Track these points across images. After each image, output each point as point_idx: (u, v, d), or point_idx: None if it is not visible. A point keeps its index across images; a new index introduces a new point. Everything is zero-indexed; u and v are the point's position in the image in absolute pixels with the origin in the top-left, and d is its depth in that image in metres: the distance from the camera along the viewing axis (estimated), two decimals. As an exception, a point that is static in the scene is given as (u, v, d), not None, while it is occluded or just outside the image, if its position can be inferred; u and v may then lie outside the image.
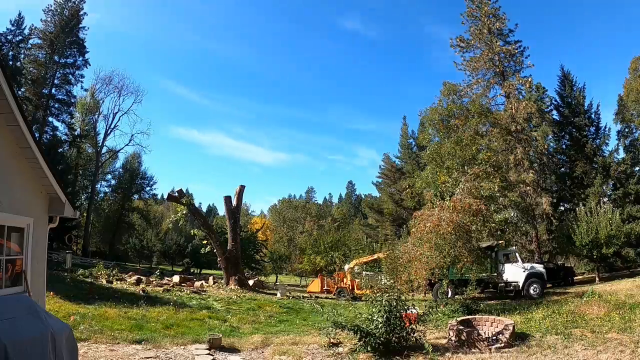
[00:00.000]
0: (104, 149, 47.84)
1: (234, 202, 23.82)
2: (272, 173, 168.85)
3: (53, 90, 39.77)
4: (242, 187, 24.46)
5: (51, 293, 9.84)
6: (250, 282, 23.03)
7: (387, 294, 8.08)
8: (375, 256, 19.39)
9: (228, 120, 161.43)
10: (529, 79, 25.15)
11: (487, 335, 7.93)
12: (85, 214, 43.62)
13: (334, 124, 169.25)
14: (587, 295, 12.11)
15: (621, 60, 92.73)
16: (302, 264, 43.11)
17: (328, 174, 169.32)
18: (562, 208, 28.18)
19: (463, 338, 7.84)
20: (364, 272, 18.78)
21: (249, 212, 79.00)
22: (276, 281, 39.52)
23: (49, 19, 40.04)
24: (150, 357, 7.37)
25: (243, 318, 12.41)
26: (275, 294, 19.80)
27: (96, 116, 46.40)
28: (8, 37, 37.23)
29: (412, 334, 7.84)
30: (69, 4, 41.30)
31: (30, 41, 38.85)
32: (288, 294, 20.00)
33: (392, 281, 10.08)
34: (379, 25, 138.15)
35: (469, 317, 9.45)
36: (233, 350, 8.41)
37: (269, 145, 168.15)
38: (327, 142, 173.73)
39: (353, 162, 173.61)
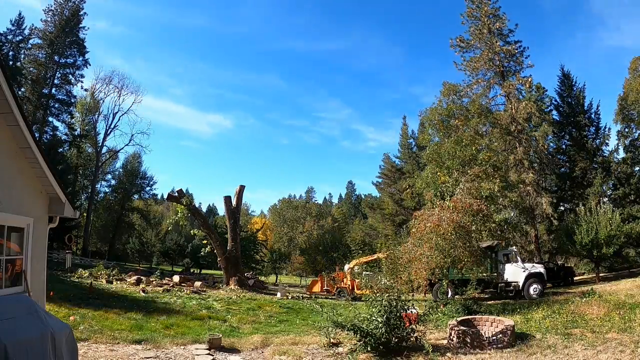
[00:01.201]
0: (104, 149, 47.84)
1: (234, 202, 23.83)
2: (220, 152, 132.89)
3: (53, 90, 39.77)
4: (242, 187, 24.50)
5: (51, 293, 9.83)
6: (250, 282, 23.04)
7: (387, 294, 8.08)
8: (375, 256, 19.37)
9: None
10: (529, 79, 25.15)
11: (487, 336, 7.92)
12: (85, 214, 43.60)
13: (266, 35, 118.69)
14: (587, 295, 12.11)
15: (621, 60, 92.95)
16: (302, 264, 43.16)
17: (295, 150, 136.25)
18: (562, 208, 28.17)
19: (463, 338, 7.84)
20: (364, 272, 18.76)
21: (249, 212, 79.08)
22: (276, 281, 39.52)
23: (49, 19, 40.06)
24: (150, 357, 7.37)
25: (243, 318, 12.41)
26: (275, 294, 19.79)
27: (96, 116, 46.41)
28: (8, 37, 37.23)
29: (412, 334, 7.84)
30: (69, 4, 41.30)
31: (30, 41, 38.88)
32: (288, 294, 19.99)
33: (391, 281, 10.08)
34: None
35: (469, 317, 9.45)
36: (233, 350, 8.41)
37: (187, 98, 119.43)
38: (270, 83, 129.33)
39: (318, 128, 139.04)
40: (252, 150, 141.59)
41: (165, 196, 36.35)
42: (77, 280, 17.88)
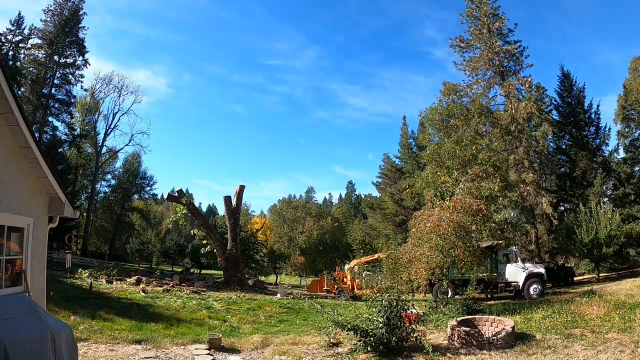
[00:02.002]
0: (104, 149, 47.90)
1: (233, 202, 23.84)
2: (162, 130, 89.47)
3: (53, 90, 39.80)
4: (242, 187, 24.50)
5: (51, 293, 9.83)
6: (250, 282, 23.06)
7: (387, 294, 8.07)
8: (376, 256, 19.34)
9: None
10: (529, 79, 25.15)
11: (487, 336, 7.92)
12: (85, 214, 43.62)
13: None
14: (587, 295, 12.11)
15: (621, 60, 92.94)
16: (302, 264, 43.17)
17: (256, 122, 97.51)
18: (562, 208, 28.19)
19: (463, 338, 7.84)
20: (364, 272, 18.73)
21: (249, 212, 79.08)
22: (276, 281, 39.52)
23: (48, 19, 40.08)
24: (150, 357, 7.36)
25: (243, 318, 12.40)
26: (275, 294, 19.79)
27: (96, 116, 46.46)
28: (8, 37, 37.25)
29: (412, 334, 7.83)
30: (69, 4, 41.33)
31: (30, 41, 38.90)
32: (288, 294, 19.98)
33: (390, 282, 10.05)
34: None
35: (469, 317, 9.45)
36: (233, 350, 8.40)
37: (88, 41, 72.20)
38: (192, 2, 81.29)
39: (278, 86, 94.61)
40: (202, 124, 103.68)
41: (165, 196, 36.37)
42: (77, 280, 17.87)
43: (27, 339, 4.20)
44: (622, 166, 26.10)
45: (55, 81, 40.00)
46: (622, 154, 27.56)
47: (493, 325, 8.58)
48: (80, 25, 41.82)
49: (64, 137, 41.65)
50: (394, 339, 7.57)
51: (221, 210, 65.32)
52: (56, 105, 40.25)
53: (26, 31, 38.40)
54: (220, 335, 8.93)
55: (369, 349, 7.57)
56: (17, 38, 37.83)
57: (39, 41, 39.12)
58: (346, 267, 23.04)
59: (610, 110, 39.74)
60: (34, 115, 35.64)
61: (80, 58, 41.89)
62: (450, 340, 8.09)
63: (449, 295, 16.09)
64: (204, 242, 23.10)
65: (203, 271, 40.31)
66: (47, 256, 7.41)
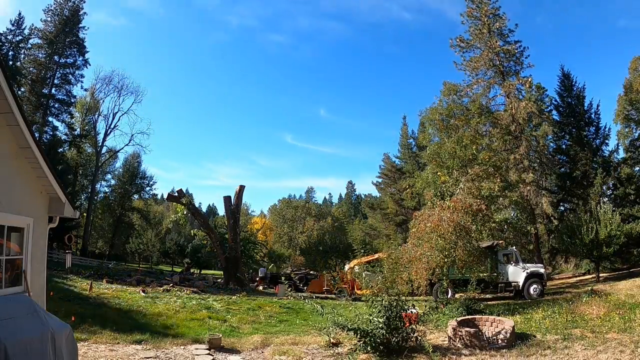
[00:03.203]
0: (104, 149, 47.87)
1: (233, 202, 23.84)
2: None
3: (53, 90, 39.84)
4: (242, 187, 24.50)
5: (51, 293, 9.82)
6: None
7: (387, 294, 8.07)
8: (376, 256, 19.32)
9: None
10: (529, 79, 25.12)
11: (487, 336, 7.92)
12: (85, 214, 43.61)
13: None
14: (587, 295, 12.11)
15: (621, 60, 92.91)
16: (302, 264, 43.19)
17: (144, 38, 77.41)
18: (562, 208, 28.18)
19: (464, 338, 7.84)
20: (364, 272, 18.71)
21: (249, 212, 79.05)
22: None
23: (49, 19, 40.12)
24: (150, 357, 7.36)
25: (243, 318, 12.41)
26: (275, 294, 19.79)
27: (96, 116, 46.38)
28: (8, 37, 37.27)
29: (412, 334, 7.82)
30: (69, 4, 41.36)
31: (30, 41, 38.94)
32: (288, 294, 19.98)
33: (389, 282, 10.01)
34: None
35: (469, 317, 9.44)
36: (233, 350, 8.40)
37: None
38: None
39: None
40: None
41: (165, 196, 36.38)
42: (77, 280, 17.86)
43: (27, 339, 4.20)
44: (622, 166, 26.10)
45: (55, 81, 40.04)
46: (622, 154, 27.61)
47: (493, 325, 8.58)
48: (80, 25, 41.89)
49: (64, 137, 41.73)
50: (394, 339, 7.57)
51: (221, 210, 65.34)
52: (56, 105, 40.29)
53: (26, 31, 38.50)
54: (220, 335, 8.93)
55: (369, 349, 7.56)
56: (17, 38, 37.90)
57: (39, 41, 39.16)
58: (346, 267, 23.02)
59: (611, 110, 39.62)
60: (34, 115, 35.67)
61: (81, 58, 42.00)
62: (451, 341, 8.09)
63: (449, 295, 16.09)
64: (204, 242, 23.13)
65: (203, 271, 40.29)
66: (47, 256, 7.40)
